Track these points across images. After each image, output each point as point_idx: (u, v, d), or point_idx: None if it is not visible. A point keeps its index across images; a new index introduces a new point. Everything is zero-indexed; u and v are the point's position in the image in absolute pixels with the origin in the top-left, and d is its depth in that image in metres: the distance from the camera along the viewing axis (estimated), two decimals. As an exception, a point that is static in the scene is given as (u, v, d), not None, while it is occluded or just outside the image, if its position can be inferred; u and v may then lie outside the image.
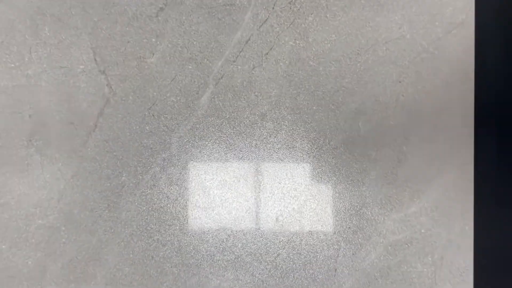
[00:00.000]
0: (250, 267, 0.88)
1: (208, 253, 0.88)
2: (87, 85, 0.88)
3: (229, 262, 0.88)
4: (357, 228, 0.88)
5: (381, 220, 0.88)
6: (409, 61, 0.88)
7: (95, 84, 0.88)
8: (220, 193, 0.89)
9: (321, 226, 0.88)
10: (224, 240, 0.89)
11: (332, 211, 0.88)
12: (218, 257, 0.89)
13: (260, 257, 0.89)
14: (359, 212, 0.88)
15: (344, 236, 0.89)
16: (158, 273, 0.88)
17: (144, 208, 0.89)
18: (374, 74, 0.89)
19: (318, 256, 0.88)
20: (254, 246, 0.89)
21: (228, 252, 0.88)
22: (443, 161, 0.88)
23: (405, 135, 0.88)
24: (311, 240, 0.89)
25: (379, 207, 0.88)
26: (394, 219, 0.89)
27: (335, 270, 0.87)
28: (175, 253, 0.89)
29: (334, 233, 0.89)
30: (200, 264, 0.88)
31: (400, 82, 0.88)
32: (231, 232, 0.89)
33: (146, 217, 0.89)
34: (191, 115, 0.89)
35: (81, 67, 0.88)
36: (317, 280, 0.87)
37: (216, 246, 0.89)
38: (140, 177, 0.89)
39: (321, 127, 0.89)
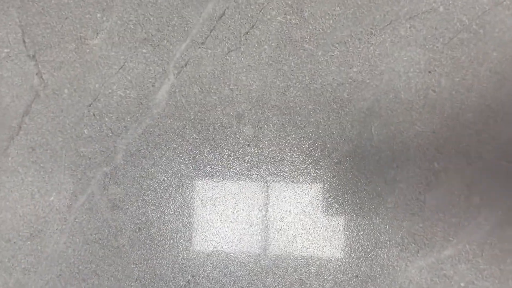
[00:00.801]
0: (217, 326, 0.84)
1: (160, 305, 0.83)
2: (12, 74, 0.85)
3: (189, 318, 0.84)
4: (367, 277, 0.82)
5: (401, 266, 0.82)
6: (442, 43, 0.84)
7: (21, 72, 0.86)
8: (179, 221, 0.84)
9: (317, 272, 0.82)
10: (183, 287, 0.83)
11: (333, 251, 0.83)
12: (173, 312, 0.83)
13: (231, 314, 0.84)
14: (370, 255, 0.82)
15: (349, 288, 0.82)
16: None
17: (78, 239, 0.84)
18: (394, 61, 0.84)
19: (312, 315, 0.83)
20: (223, 297, 0.83)
21: (188, 305, 0.83)
22: (490, 184, 0.82)
23: (437, 147, 0.83)
24: (303, 291, 0.83)
25: (399, 248, 0.82)
26: (420, 266, 0.82)
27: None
28: (116, 303, 0.83)
29: (335, 283, 0.82)
30: (148, 321, 0.84)
31: (430, 72, 0.83)
32: (192, 276, 0.83)
33: (79, 252, 0.84)
34: (144, 115, 0.85)
35: (6, 50, 0.86)
36: None
37: (171, 296, 0.83)
38: (74, 197, 0.84)
39: (319, 133, 0.85)
